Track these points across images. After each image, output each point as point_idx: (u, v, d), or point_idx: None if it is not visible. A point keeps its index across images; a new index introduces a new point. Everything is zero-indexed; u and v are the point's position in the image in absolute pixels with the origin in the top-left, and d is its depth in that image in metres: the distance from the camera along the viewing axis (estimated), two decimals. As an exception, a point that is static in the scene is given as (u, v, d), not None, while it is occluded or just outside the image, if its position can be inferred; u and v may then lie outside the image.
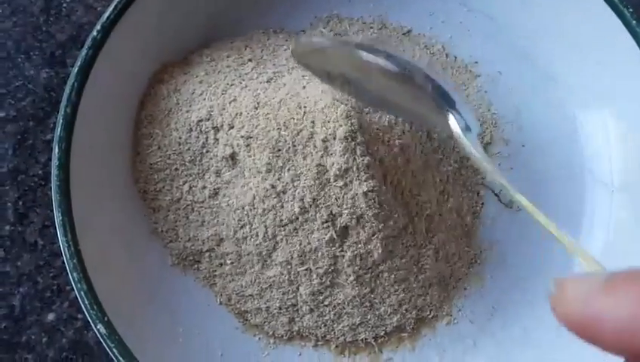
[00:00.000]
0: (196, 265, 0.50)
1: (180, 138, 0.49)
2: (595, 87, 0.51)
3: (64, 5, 0.57)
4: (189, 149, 0.49)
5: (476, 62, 0.54)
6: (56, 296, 0.52)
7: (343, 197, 0.45)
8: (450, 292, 0.51)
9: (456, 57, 0.54)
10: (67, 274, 0.44)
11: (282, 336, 0.49)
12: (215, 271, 0.49)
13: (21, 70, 0.55)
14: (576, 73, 0.52)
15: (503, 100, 0.53)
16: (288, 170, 0.46)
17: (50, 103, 0.55)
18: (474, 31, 0.54)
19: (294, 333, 0.49)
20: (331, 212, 0.46)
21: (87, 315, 0.44)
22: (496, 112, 0.53)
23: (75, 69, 0.46)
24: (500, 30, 0.53)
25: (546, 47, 0.52)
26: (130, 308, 0.47)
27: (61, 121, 0.45)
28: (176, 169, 0.49)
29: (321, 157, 0.45)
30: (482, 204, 0.52)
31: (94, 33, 0.47)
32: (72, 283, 0.44)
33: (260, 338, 0.50)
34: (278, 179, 0.46)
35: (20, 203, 0.53)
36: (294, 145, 0.45)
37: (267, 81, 0.49)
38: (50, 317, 0.52)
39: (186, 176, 0.49)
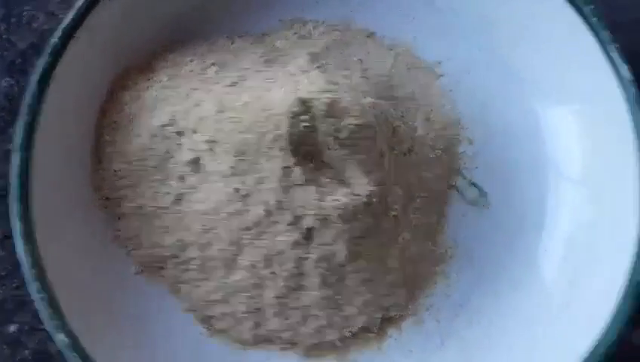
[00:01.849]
0: (160, 272, 0.49)
1: (143, 144, 0.48)
2: (557, 84, 0.51)
3: (25, 13, 0.56)
4: (152, 155, 0.48)
5: (440, 62, 0.54)
6: (18, 307, 0.52)
7: (308, 199, 0.45)
8: (416, 292, 0.50)
9: (420, 57, 0.54)
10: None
11: (248, 341, 0.49)
12: (179, 277, 0.49)
13: (-19, 79, 0.55)
14: (539, 70, 0.52)
15: (468, 99, 0.53)
16: (252, 173, 0.46)
17: (10, 112, 0.54)
18: (438, 30, 0.54)
19: (260, 337, 0.49)
20: (296, 214, 0.45)
21: (47, 325, 0.43)
22: (460, 111, 0.53)
23: (35, 77, 0.46)
24: (464, 29, 0.53)
25: (509, 45, 0.52)
26: (92, 317, 0.46)
27: (21, 128, 0.45)
28: (140, 175, 0.49)
29: (286, 159, 0.45)
30: (447, 202, 0.52)
31: (54, 40, 0.46)
32: (32, 294, 0.43)
33: (225, 344, 0.49)
34: (243, 183, 0.46)
35: (-20, 215, 0.52)
36: (258, 149, 0.45)
37: (231, 85, 0.49)
38: (12, 328, 0.51)
39: (149, 182, 0.49)
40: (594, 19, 0.47)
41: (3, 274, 0.52)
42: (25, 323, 0.52)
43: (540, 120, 0.53)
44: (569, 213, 0.51)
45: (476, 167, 0.52)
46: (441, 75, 0.54)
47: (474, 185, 0.52)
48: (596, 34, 0.47)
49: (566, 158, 0.52)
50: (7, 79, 0.55)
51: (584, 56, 0.48)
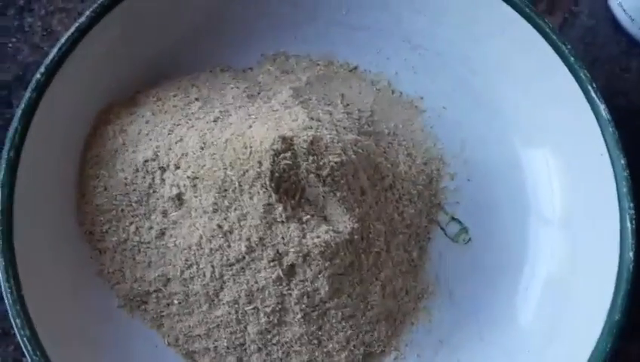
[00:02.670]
0: (143, 306, 0.49)
1: (126, 178, 0.49)
2: (537, 122, 0.52)
3: (10, 45, 0.56)
4: (135, 190, 0.49)
5: (422, 98, 0.54)
6: (1, 339, 0.51)
7: (289, 236, 0.45)
8: (398, 328, 0.51)
9: (401, 93, 0.55)
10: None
11: (231, 376, 0.49)
12: (162, 311, 0.49)
13: (-34, 111, 0.55)
14: (519, 108, 0.53)
15: (449, 135, 0.54)
16: (235, 209, 0.46)
17: (-5, 144, 0.54)
18: (419, 67, 0.55)
19: (243, 373, 0.49)
20: (278, 251, 0.46)
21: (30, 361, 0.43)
22: (442, 147, 0.54)
23: (19, 113, 0.46)
24: (445, 66, 0.54)
25: (489, 82, 0.53)
26: (75, 353, 0.46)
27: (4, 165, 0.45)
28: (123, 210, 0.49)
29: (268, 196, 0.45)
30: (429, 238, 0.52)
31: (38, 76, 0.47)
32: (15, 329, 0.43)
33: (209, 378, 0.49)
34: (225, 219, 0.46)
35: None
36: (240, 185, 0.45)
37: (214, 121, 0.49)
38: (-5, 361, 0.51)
39: (132, 216, 0.49)
40: (572, 59, 0.48)
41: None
42: (8, 355, 0.51)
43: (520, 157, 0.53)
44: (549, 251, 0.51)
45: (457, 202, 0.53)
46: (424, 111, 0.54)
47: (455, 220, 0.52)
48: (574, 73, 0.48)
49: (546, 196, 0.52)
50: (-8, 111, 0.55)
51: (563, 95, 0.49)
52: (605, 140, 0.47)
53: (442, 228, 0.52)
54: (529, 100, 0.52)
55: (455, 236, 0.52)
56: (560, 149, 0.51)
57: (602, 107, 0.47)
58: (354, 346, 0.49)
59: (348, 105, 0.53)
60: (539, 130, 0.52)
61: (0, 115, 0.55)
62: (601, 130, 0.47)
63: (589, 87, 0.48)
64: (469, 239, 0.52)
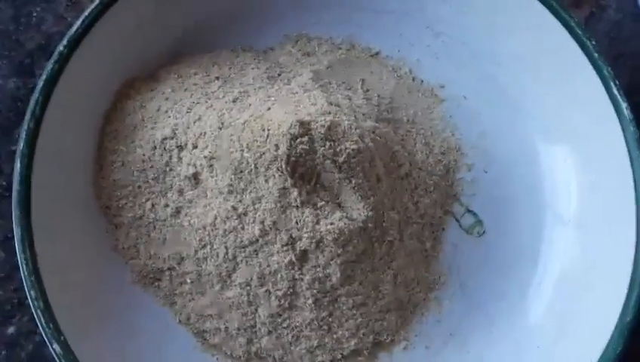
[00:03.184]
0: (156, 283, 0.50)
1: (144, 155, 0.49)
2: (559, 121, 0.51)
3: (34, 14, 0.56)
4: (152, 167, 0.49)
5: (442, 87, 0.54)
6: (17, 309, 0.52)
7: (303, 221, 0.45)
8: (408, 318, 0.51)
9: (422, 81, 0.54)
10: (27, 287, 0.44)
11: (240, 357, 0.49)
12: (175, 289, 0.49)
13: (-12, 79, 0.55)
14: (541, 104, 0.52)
15: (468, 125, 0.53)
16: (250, 192, 0.46)
17: (17, 113, 0.54)
18: (442, 55, 0.54)
19: (252, 354, 0.49)
20: (291, 235, 0.46)
21: (43, 333, 0.44)
22: (460, 137, 0.53)
23: (40, 84, 0.46)
24: (469, 55, 0.54)
25: (513, 75, 0.53)
26: (87, 326, 0.47)
27: (24, 135, 0.45)
28: (139, 186, 0.49)
29: (283, 180, 0.45)
30: (443, 228, 0.52)
31: (60, 48, 0.47)
32: (30, 301, 0.44)
33: (217, 359, 0.49)
34: (240, 201, 0.46)
35: (-18, 214, 0.53)
36: (256, 168, 0.45)
37: (233, 101, 0.49)
38: (10, 330, 0.52)
39: (148, 193, 0.49)
40: (596, 55, 0.47)
41: (2, 275, 0.52)
42: (23, 326, 0.52)
43: (539, 152, 0.53)
44: (563, 249, 0.51)
45: (474, 194, 0.53)
46: (444, 100, 0.54)
47: (471, 212, 0.52)
48: (598, 69, 0.48)
49: (563, 195, 0.52)
50: (14, 80, 0.55)
51: (585, 91, 0.49)
52: (626, 139, 0.47)
53: (457, 220, 0.52)
54: (551, 95, 0.51)
55: (469, 228, 0.52)
56: (579, 147, 0.51)
57: (624, 105, 0.47)
58: (363, 334, 0.49)
59: (368, 90, 0.53)
60: (559, 127, 0.51)
61: (23, 85, 0.55)
62: (622, 129, 0.47)
63: (612, 84, 0.47)
64: (484, 232, 0.52)
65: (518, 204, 0.52)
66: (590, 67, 0.48)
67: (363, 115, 0.50)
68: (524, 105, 0.53)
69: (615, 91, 0.47)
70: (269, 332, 0.49)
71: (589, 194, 0.50)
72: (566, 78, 0.50)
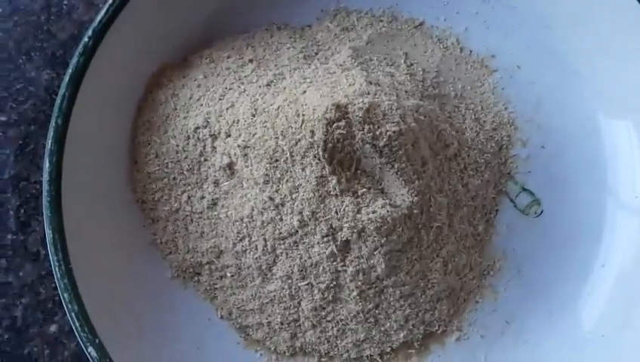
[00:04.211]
0: (196, 278, 0.48)
1: (178, 146, 0.47)
2: (621, 89, 0.48)
3: (65, 3, 0.55)
4: (186, 158, 0.47)
5: (493, 56, 0.51)
6: (58, 307, 0.51)
7: (343, 210, 0.43)
8: (461, 306, 0.48)
9: (471, 51, 0.51)
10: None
11: (284, 352, 0.48)
12: (215, 284, 0.48)
13: (22, 72, 0.54)
14: (600, 72, 0.48)
15: (521, 97, 0.50)
16: (287, 181, 0.44)
17: (51, 106, 0.53)
18: (491, 22, 0.51)
19: (297, 349, 0.48)
20: (331, 226, 0.44)
21: (78, 337, 0.43)
22: (513, 111, 0.50)
23: (66, 78, 0.45)
24: (520, 21, 0.50)
25: (569, 41, 0.49)
26: (125, 326, 0.46)
27: (52, 133, 0.44)
28: (175, 178, 0.47)
29: (321, 168, 0.42)
30: (497, 210, 0.49)
31: (85, 39, 0.45)
32: (63, 303, 0.43)
33: (261, 354, 0.48)
34: (276, 191, 0.44)
35: (22, 211, 0.52)
36: (292, 156, 0.43)
37: (267, 85, 0.47)
38: (53, 328, 0.51)
39: (184, 185, 0.47)
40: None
41: (43, 273, 0.52)
42: (65, 324, 0.51)
43: (599, 126, 0.49)
44: (627, 234, 0.47)
45: (529, 172, 0.49)
46: (495, 71, 0.50)
47: (526, 191, 0.49)
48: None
49: (627, 176, 0.48)
50: (48, 71, 0.54)
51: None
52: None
53: (512, 200, 0.49)
54: (612, 65, 0.47)
55: (525, 208, 0.49)
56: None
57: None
58: (413, 325, 0.47)
59: (411, 65, 0.50)
60: (623, 99, 0.48)
61: (57, 76, 0.54)
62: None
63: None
64: (542, 212, 0.49)
65: (578, 183, 0.49)
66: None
67: (406, 92, 0.47)
68: (580, 72, 0.49)
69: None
70: (314, 326, 0.47)
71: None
72: (625, 38, 0.46)
